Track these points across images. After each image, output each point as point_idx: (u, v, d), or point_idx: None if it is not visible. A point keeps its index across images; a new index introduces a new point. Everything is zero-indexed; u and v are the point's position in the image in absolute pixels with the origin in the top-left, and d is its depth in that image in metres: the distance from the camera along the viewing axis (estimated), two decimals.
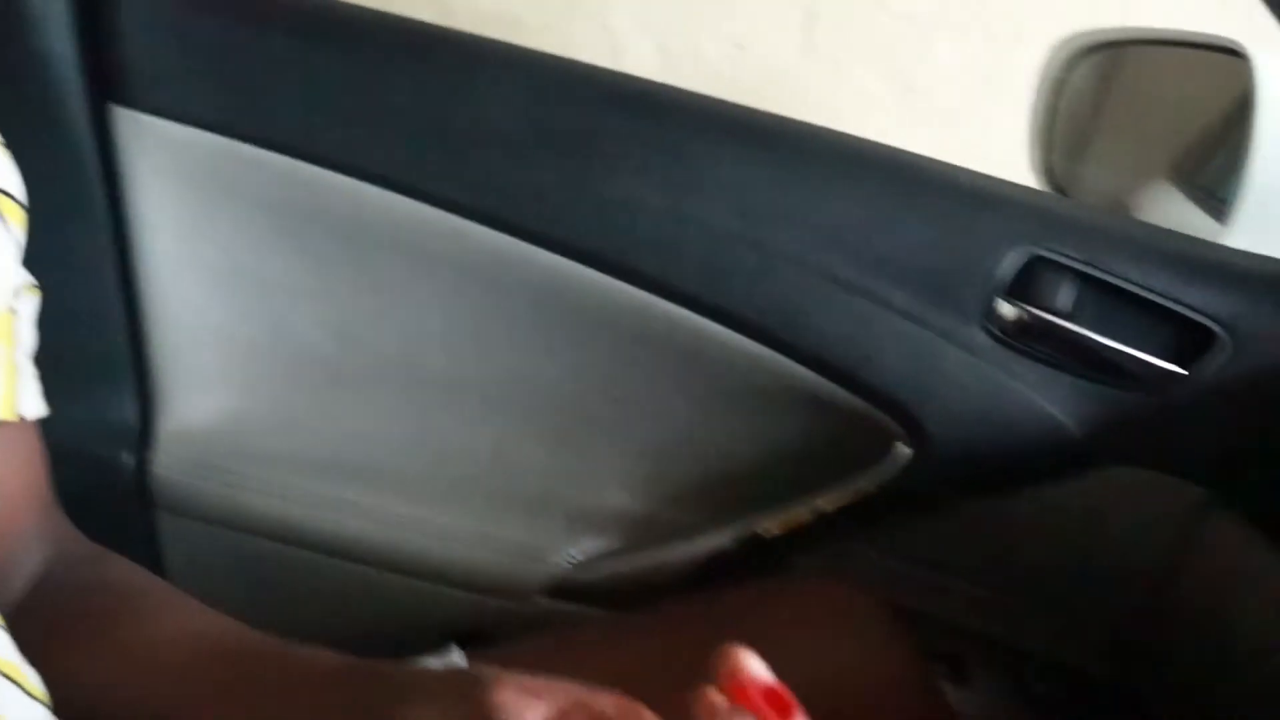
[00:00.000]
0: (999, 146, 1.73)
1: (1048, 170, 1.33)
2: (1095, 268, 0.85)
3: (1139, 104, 1.38)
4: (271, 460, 0.97)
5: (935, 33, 1.76)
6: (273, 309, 0.96)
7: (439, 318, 0.95)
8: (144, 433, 0.97)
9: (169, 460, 0.97)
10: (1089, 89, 1.33)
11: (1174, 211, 1.36)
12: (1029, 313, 0.85)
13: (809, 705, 0.78)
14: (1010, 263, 0.85)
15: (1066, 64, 1.32)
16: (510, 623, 0.95)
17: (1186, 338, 0.84)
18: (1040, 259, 0.85)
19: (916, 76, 1.77)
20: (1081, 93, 1.33)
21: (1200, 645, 0.90)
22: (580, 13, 1.70)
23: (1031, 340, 0.86)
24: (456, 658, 0.79)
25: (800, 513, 0.92)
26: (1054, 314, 0.85)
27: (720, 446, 0.96)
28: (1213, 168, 1.40)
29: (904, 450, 0.88)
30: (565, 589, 0.96)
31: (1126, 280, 0.84)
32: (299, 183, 0.88)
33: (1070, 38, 1.32)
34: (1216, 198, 1.32)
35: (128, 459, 0.96)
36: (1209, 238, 1.02)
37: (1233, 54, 1.12)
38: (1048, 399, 0.86)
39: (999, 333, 0.85)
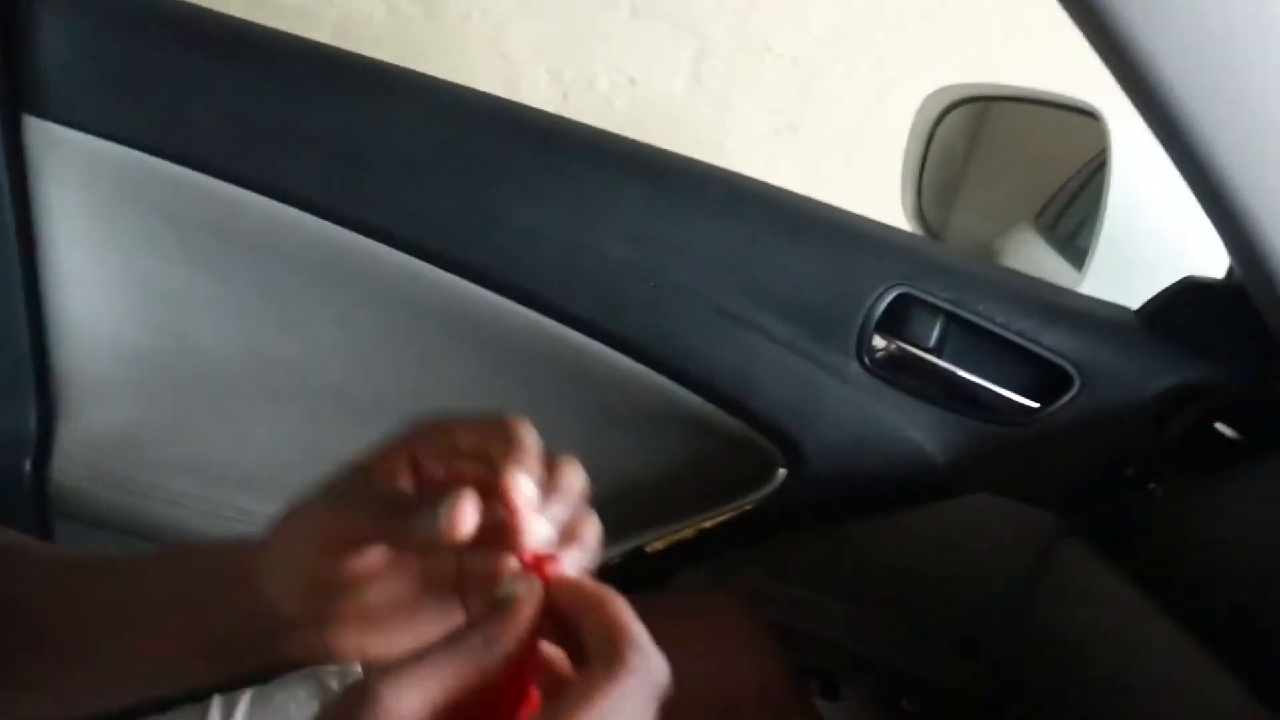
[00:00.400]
0: (871, 181, 1.82)
1: (918, 214, 1.39)
2: (961, 308, 0.91)
3: (1004, 155, 1.46)
4: (171, 469, 0.98)
5: (816, 75, 1.83)
6: (177, 320, 0.97)
7: (340, 333, 0.97)
8: (43, 441, 0.97)
9: (69, 468, 0.97)
10: (958, 139, 1.40)
11: (1036, 257, 1.44)
12: (899, 347, 0.91)
13: (683, 717, 0.83)
14: (883, 300, 0.91)
15: (937, 115, 1.39)
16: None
17: (1042, 376, 0.91)
18: (911, 297, 0.91)
19: (798, 115, 1.84)
20: (951, 142, 1.40)
21: (1054, 660, 0.97)
22: (478, 40, 1.73)
23: (901, 373, 0.91)
24: (355, 666, 0.81)
25: (684, 530, 0.97)
26: (922, 349, 0.91)
27: (608, 465, 1.00)
28: (1071, 218, 1.49)
29: (782, 473, 0.93)
30: None
31: (990, 321, 0.91)
32: (208, 198, 0.89)
33: (940, 90, 1.39)
34: (1075, 245, 1.40)
35: (26, 467, 0.97)
36: (1068, 283, 1.10)
37: (1090, 115, 1.20)
38: (915, 428, 0.92)
39: (872, 365, 0.91)
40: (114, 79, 0.88)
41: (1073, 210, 1.50)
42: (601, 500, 1.00)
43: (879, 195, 1.81)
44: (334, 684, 0.80)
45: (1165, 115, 0.63)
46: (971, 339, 0.92)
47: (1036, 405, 0.91)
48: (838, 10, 1.80)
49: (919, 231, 1.39)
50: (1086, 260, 1.15)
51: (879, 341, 0.91)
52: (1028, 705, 0.99)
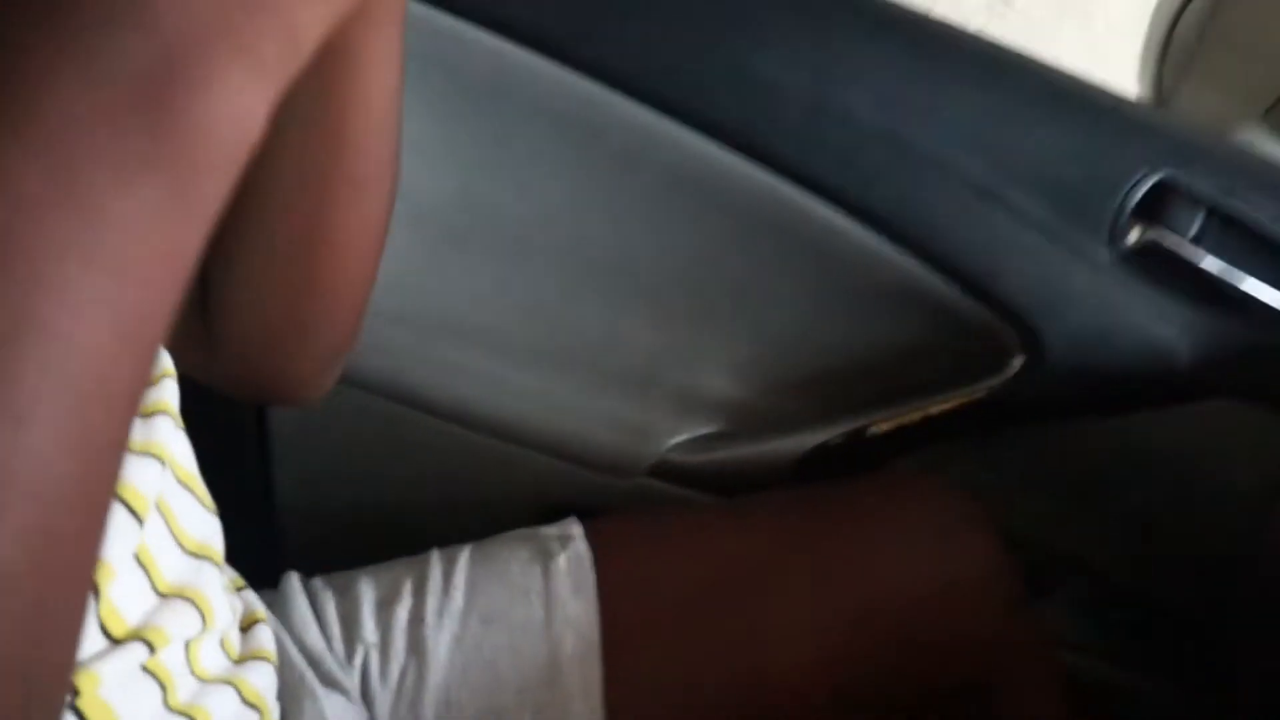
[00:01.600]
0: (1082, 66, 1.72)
1: (1156, 84, 1.32)
2: (1228, 199, 0.84)
3: (1248, 36, 1.36)
4: (383, 317, 0.97)
5: None
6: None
7: (565, 184, 0.94)
8: None
9: None
10: (1203, 11, 1.32)
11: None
12: (1155, 237, 0.85)
13: (897, 594, 0.80)
14: (1143, 184, 0.85)
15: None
16: (611, 498, 0.96)
17: None
18: (1173, 183, 0.85)
19: None
20: (1197, 14, 1.32)
21: None
22: None
23: (1155, 264, 0.86)
24: (574, 528, 0.80)
25: (910, 414, 0.93)
26: (1180, 239, 0.85)
27: (836, 342, 0.96)
28: None
29: (1018, 361, 0.89)
30: (667, 470, 0.97)
31: (1258, 212, 0.84)
32: (431, 32, 0.85)
33: None
34: None
35: None
36: None
37: None
38: (1164, 324, 0.87)
39: (1125, 253, 0.86)
40: None
41: None
42: (824, 379, 0.98)
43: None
44: (554, 546, 0.79)
45: None
46: (1235, 234, 0.85)
47: None
48: None
49: (1157, 101, 1.31)
50: None
51: (1136, 228, 0.85)
52: (1255, 634, 0.94)
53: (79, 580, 0.30)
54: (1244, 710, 0.93)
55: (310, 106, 0.50)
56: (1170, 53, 1.38)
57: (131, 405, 0.30)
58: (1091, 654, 1.00)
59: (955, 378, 0.92)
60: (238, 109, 0.28)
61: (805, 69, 0.85)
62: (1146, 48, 1.39)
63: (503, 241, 0.96)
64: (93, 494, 0.29)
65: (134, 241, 0.27)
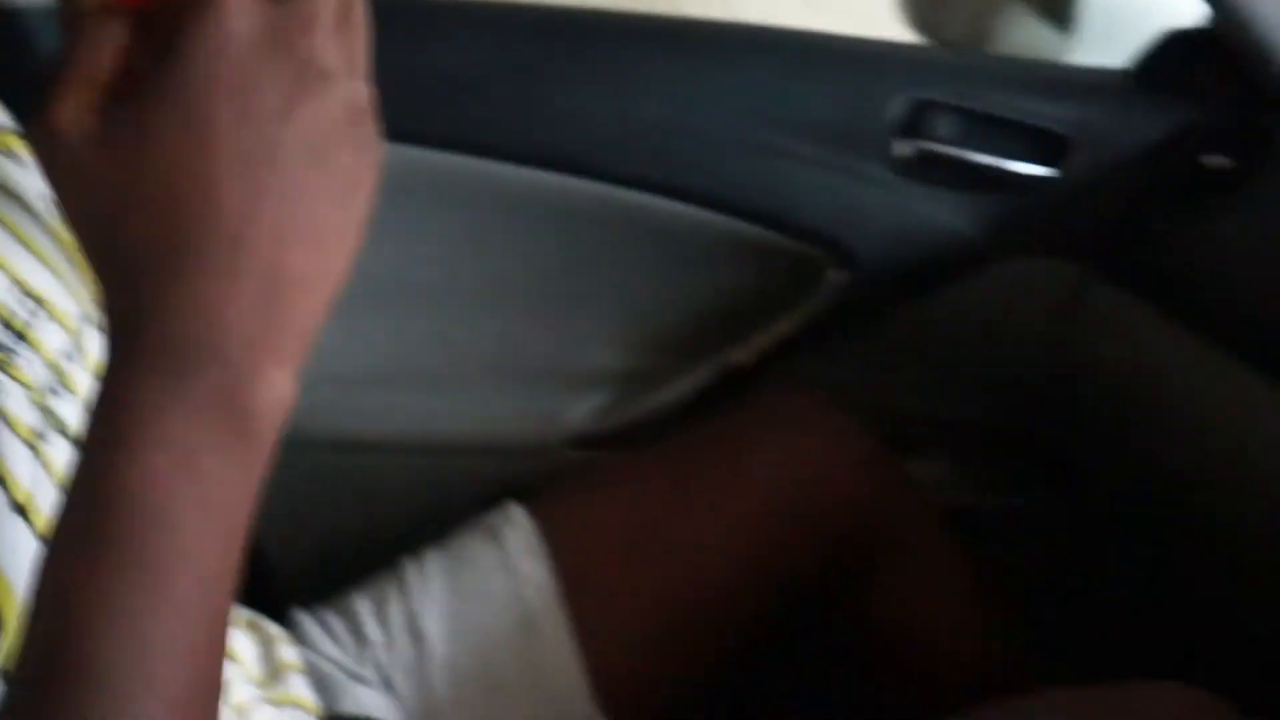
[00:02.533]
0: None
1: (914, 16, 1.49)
2: (966, 100, 1.03)
3: None
4: (308, 381, 1.12)
5: None
6: None
7: (429, 238, 1.10)
8: None
9: None
10: None
11: (1022, 27, 1.53)
12: (919, 146, 1.03)
13: (786, 486, 0.97)
14: (898, 107, 1.03)
15: None
16: (540, 477, 1.10)
17: (1049, 145, 1.03)
18: (922, 100, 1.03)
19: None
20: None
21: (1102, 390, 1.10)
22: None
23: (926, 168, 1.04)
24: (516, 511, 0.97)
25: (765, 340, 1.11)
26: (940, 143, 1.03)
27: (687, 301, 1.13)
28: None
29: (837, 274, 1.06)
30: (582, 440, 1.15)
31: (995, 107, 1.02)
32: None
33: None
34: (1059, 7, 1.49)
35: None
36: (1056, 46, 1.20)
37: None
38: (946, 214, 1.05)
39: (898, 166, 1.03)
40: None
41: None
42: (688, 332, 1.15)
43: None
44: (502, 527, 0.95)
45: None
46: (981, 125, 1.04)
47: (1047, 170, 1.03)
48: None
49: (916, 31, 1.49)
50: (1070, 23, 1.25)
51: (901, 145, 1.03)
52: (1081, 439, 1.13)
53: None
54: (1092, 500, 1.12)
55: None
56: None
57: (230, 583, 0.45)
58: (962, 490, 1.18)
59: (792, 301, 1.09)
60: (282, 394, 0.43)
61: (602, 91, 1.02)
62: None
63: (388, 290, 1.11)
64: (216, 646, 0.45)
65: (226, 487, 0.43)
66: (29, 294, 0.63)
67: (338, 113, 0.43)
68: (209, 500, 0.42)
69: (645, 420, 1.13)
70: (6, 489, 0.54)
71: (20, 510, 0.55)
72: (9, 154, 0.72)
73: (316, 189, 0.43)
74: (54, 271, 0.68)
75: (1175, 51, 1.03)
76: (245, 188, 0.41)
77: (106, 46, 0.43)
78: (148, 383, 0.41)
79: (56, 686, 0.40)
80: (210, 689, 0.43)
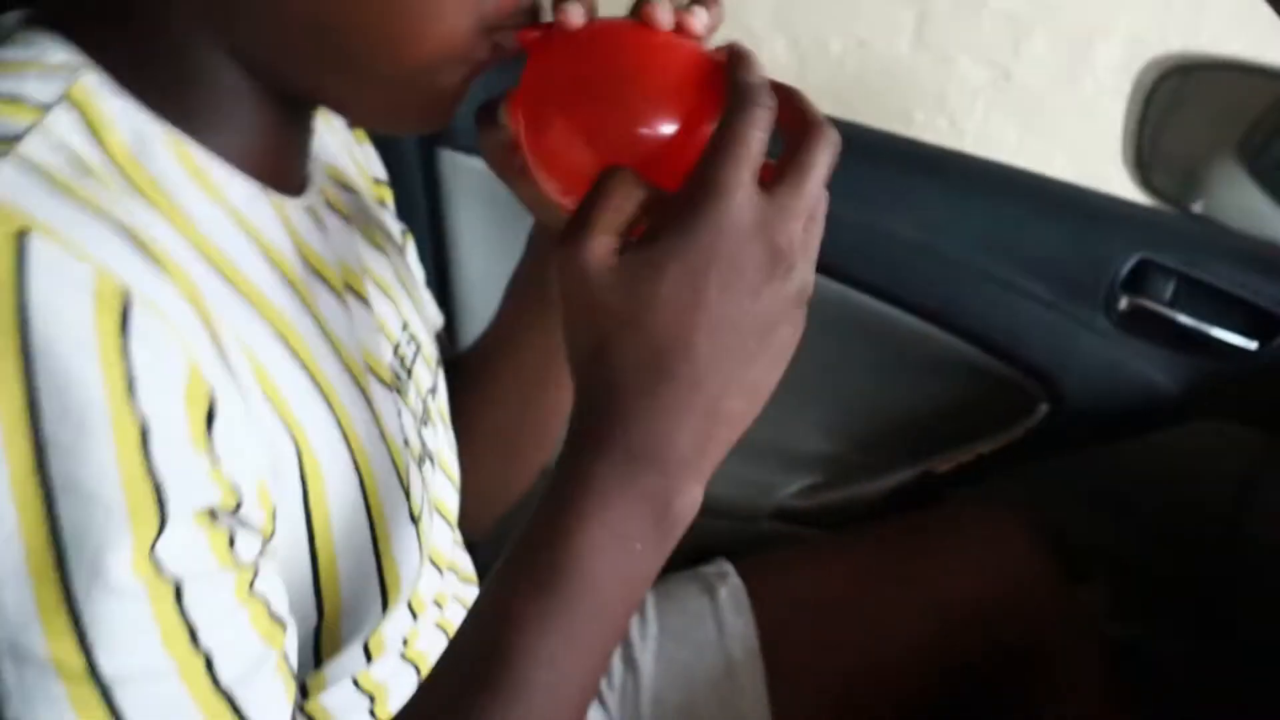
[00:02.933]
0: (1078, 122, 2.00)
1: (1141, 175, 1.56)
2: (1191, 268, 1.12)
3: (1210, 107, 1.61)
4: None
5: (1027, 29, 2.00)
6: None
7: None
8: None
9: None
10: (1171, 102, 1.57)
11: (1240, 191, 1.60)
12: (1140, 303, 1.13)
13: (965, 593, 1.06)
14: (1126, 263, 1.12)
15: (1151, 84, 1.56)
16: (747, 540, 1.21)
17: (1259, 320, 1.11)
18: (1148, 261, 1.12)
19: (1012, 65, 2.01)
20: (1165, 105, 1.57)
21: (1271, 556, 1.18)
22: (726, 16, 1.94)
23: (1142, 324, 1.13)
24: (727, 566, 1.08)
25: (965, 455, 1.21)
26: (1159, 304, 1.12)
27: (902, 406, 1.24)
28: (1273, 149, 1.64)
29: (1044, 407, 1.16)
30: (786, 514, 1.26)
31: (1216, 278, 1.12)
32: None
33: (1153, 61, 1.56)
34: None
35: None
36: (1271, 216, 1.28)
37: None
38: (1154, 370, 1.14)
39: (1118, 319, 1.13)
40: None
41: (1275, 143, 1.64)
42: (897, 434, 1.25)
43: (1083, 134, 2.00)
44: (715, 581, 1.07)
45: None
46: (1200, 292, 1.12)
47: (1256, 345, 1.11)
48: None
49: (1138, 183, 1.57)
50: None
51: (1123, 298, 1.13)
52: (1247, 598, 1.20)
53: None
54: (1246, 655, 1.19)
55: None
56: (1151, 106, 1.63)
57: (618, 642, 0.57)
58: (1125, 623, 1.26)
59: (997, 424, 1.19)
60: (695, 502, 0.54)
61: (854, 207, 1.13)
62: (1130, 104, 1.64)
63: None
64: (595, 689, 0.56)
65: (642, 567, 0.53)
66: (412, 336, 0.76)
67: (791, 296, 0.53)
68: (628, 575, 0.54)
69: (846, 505, 1.24)
70: (409, 502, 0.66)
71: (414, 520, 0.67)
72: (385, 205, 0.85)
73: (762, 355, 0.53)
74: (423, 318, 0.81)
75: None
76: (714, 345, 0.51)
77: (634, 202, 0.53)
78: (604, 472, 0.52)
79: (485, 689, 0.51)
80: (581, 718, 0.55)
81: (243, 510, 0.51)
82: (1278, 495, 1.15)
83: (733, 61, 0.55)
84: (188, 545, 0.48)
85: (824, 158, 0.53)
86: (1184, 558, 1.24)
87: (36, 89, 0.51)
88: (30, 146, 0.49)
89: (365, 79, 0.58)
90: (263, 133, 0.60)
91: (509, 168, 0.66)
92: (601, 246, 0.52)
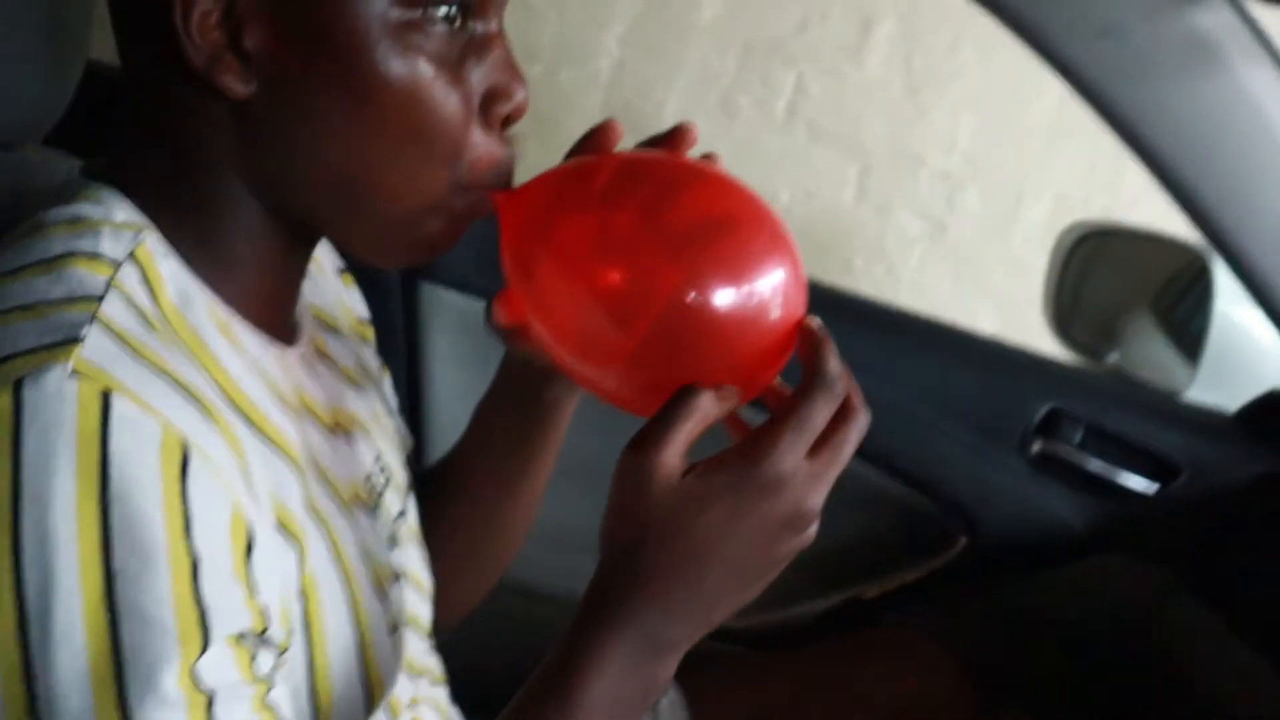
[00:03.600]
0: (1006, 271, 2.14)
1: (1061, 330, 1.68)
2: (1097, 416, 1.23)
3: (1124, 267, 1.75)
4: None
5: (961, 186, 2.16)
6: None
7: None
8: None
9: None
10: (1089, 263, 1.71)
11: (1153, 346, 1.73)
12: (1051, 447, 1.24)
13: (886, 714, 1.15)
14: (1038, 412, 1.24)
15: (1070, 246, 1.70)
16: (685, 659, 1.30)
17: (1159, 466, 1.23)
18: (1058, 410, 1.24)
19: (947, 219, 2.16)
20: (1083, 265, 1.70)
21: (1169, 681, 1.27)
22: None
23: (1053, 465, 1.24)
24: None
25: (891, 583, 1.31)
26: (1068, 448, 1.24)
27: (835, 535, 1.31)
28: (1184, 308, 1.77)
29: (964, 540, 1.26)
30: (723, 634, 1.31)
31: (1119, 427, 1.23)
32: None
33: (1072, 225, 1.70)
34: (1188, 332, 1.69)
35: None
36: (1182, 373, 1.41)
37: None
38: (1063, 508, 1.25)
39: (1031, 461, 1.24)
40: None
41: (1185, 303, 1.78)
42: (829, 561, 1.34)
43: (1012, 284, 2.14)
44: (661, 713, 1.15)
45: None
46: (1106, 439, 1.24)
47: (1154, 488, 1.23)
48: (980, 131, 2.13)
49: (1057, 334, 1.69)
50: (1197, 366, 1.45)
51: (1035, 443, 1.24)
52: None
53: None
54: None
55: (533, 439, 0.87)
56: (1070, 266, 1.77)
57: None
58: None
59: (921, 555, 1.29)
60: (672, 673, 0.64)
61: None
62: (1051, 264, 1.77)
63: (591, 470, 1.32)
64: None
65: (630, 714, 0.63)
66: (385, 466, 0.84)
67: (804, 542, 0.64)
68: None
69: (780, 627, 1.32)
70: (388, 615, 0.74)
71: (393, 631, 0.75)
72: (368, 343, 0.94)
73: (759, 582, 0.65)
74: (394, 448, 0.89)
75: (1274, 407, 1.23)
76: (728, 571, 0.62)
77: (706, 424, 0.62)
78: (609, 638, 0.62)
79: None
80: None
81: (269, 632, 0.59)
82: (1179, 627, 1.25)
83: (815, 343, 0.64)
84: (222, 663, 0.55)
85: (857, 439, 0.64)
86: (1093, 684, 1.33)
87: (110, 247, 0.61)
88: (110, 308, 0.58)
89: (365, 220, 0.67)
90: (268, 275, 0.69)
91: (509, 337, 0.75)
92: (670, 462, 0.61)
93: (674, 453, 0.61)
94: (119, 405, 0.54)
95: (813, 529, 0.64)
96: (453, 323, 1.28)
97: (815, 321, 0.65)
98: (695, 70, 2.13)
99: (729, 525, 0.61)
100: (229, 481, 0.57)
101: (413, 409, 1.29)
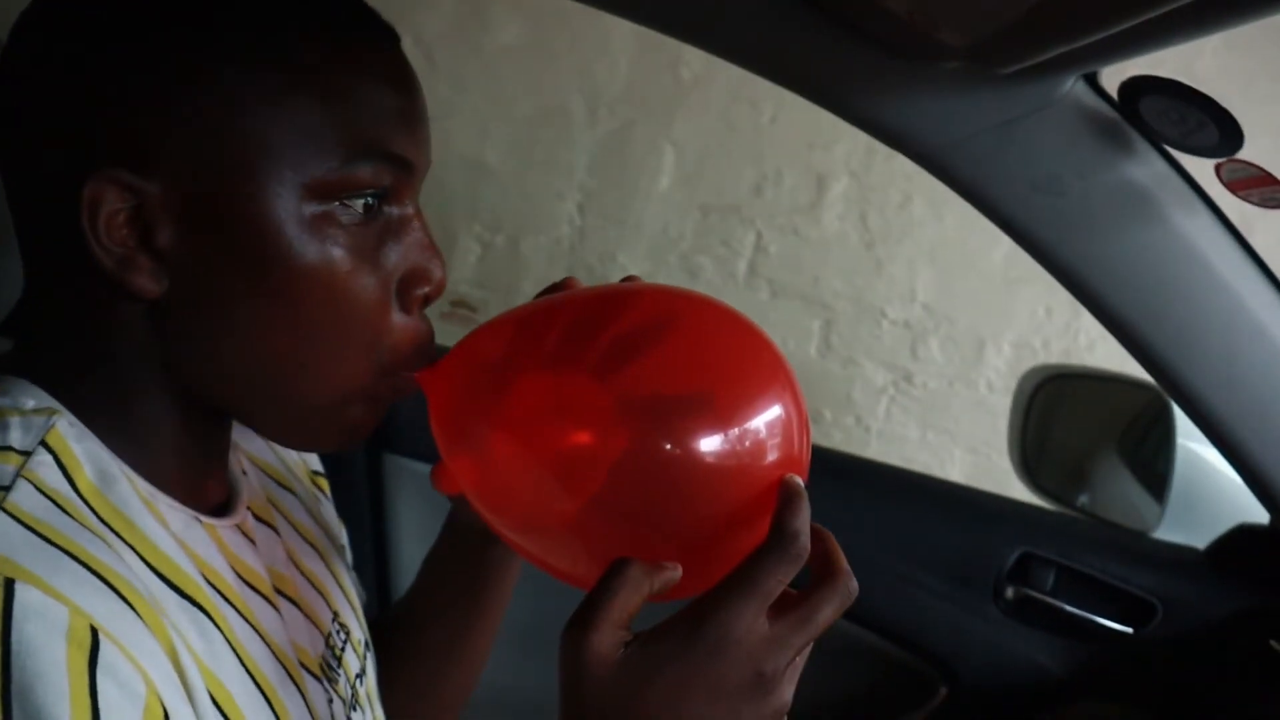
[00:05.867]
0: (972, 416, 2.16)
1: (1025, 473, 1.70)
2: (1069, 560, 1.24)
3: (1086, 410, 1.78)
4: None
5: (923, 336, 2.20)
6: None
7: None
8: None
9: None
10: (1051, 405, 1.73)
11: (1120, 484, 1.74)
12: (1025, 592, 1.24)
13: None
14: (1010, 557, 1.24)
15: (1031, 390, 1.72)
16: None
17: (1134, 608, 1.23)
18: (1031, 554, 1.24)
19: (910, 368, 2.19)
20: (1046, 407, 1.73)
21: None
22: None
23: (1027, 611, 1.24)
24: None
25: None
26: (1041, 593, 1.24)
27: (817, 688, 1.31)
28: (1148, 445, 1.79)
29: (944, 690, 1.25)
30: None
31: (1091, 568, 1.23)
32: None
33: (1032, 370, 1.73)
34: (1154, 471, 1.70)
35: None
36: (1149, 510, 1.42)
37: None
38: (1039, 653, 1.25)
39: (1005, 607, 1.24)
40: None
41: (1148, 443, 1.79)
42: (811, 712, 1.32)
43: (980, 429, 2.17)
44: None
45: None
46: (1079, 582, 1.24)
47: (1130, 630, 1.22)
48: (937, 281, 2.18)
49: (1024, 480, 1.71)
50: (1164, 505, 1.46)
51: (1008, 589, 1.24)
52: None
53: None
54: None
55: (477, 595, 0.87)
56: (1033, 412, 1.79)
57: None
58: None
59: (902, 706, 1.28)
60: None
61: None
62: (1013, 412, 1.79)
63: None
64: None
65: None
66: (342, 625, 0.83)
67: (776, 707, 0.59)
68: None
69: None
70: None
71: None
72: (322, 494, 0.94)
73: None
74: (352, 605, 0.88)
75: (1242, 542, 1.24)
76: None
77: (640, 596, 0.59)
78: None
79: None
80: None
81: None
82: None
83: (783, 500, 0.61)
84: None
85: (833, 608, 0.61)
86: None
87: (18, 437, 0.60)
88: (18, 496, 0.56)
89: (284, 409, 0.66)
90: (188, 454, 0.68)
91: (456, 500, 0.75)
92: (604, 640, 0.58)
93: (608, 629, 0.58)
94: (23, 594, 0.52)
95: (785, 693, 0.60)
96: (416, 486, 1.29)
97: (793, 480, 0.62)
98: (656, 233, 2.18)
99: (678, 694, 0.57)
100: (145, 666, 0.55)
101: (379, 571, 1.29)
